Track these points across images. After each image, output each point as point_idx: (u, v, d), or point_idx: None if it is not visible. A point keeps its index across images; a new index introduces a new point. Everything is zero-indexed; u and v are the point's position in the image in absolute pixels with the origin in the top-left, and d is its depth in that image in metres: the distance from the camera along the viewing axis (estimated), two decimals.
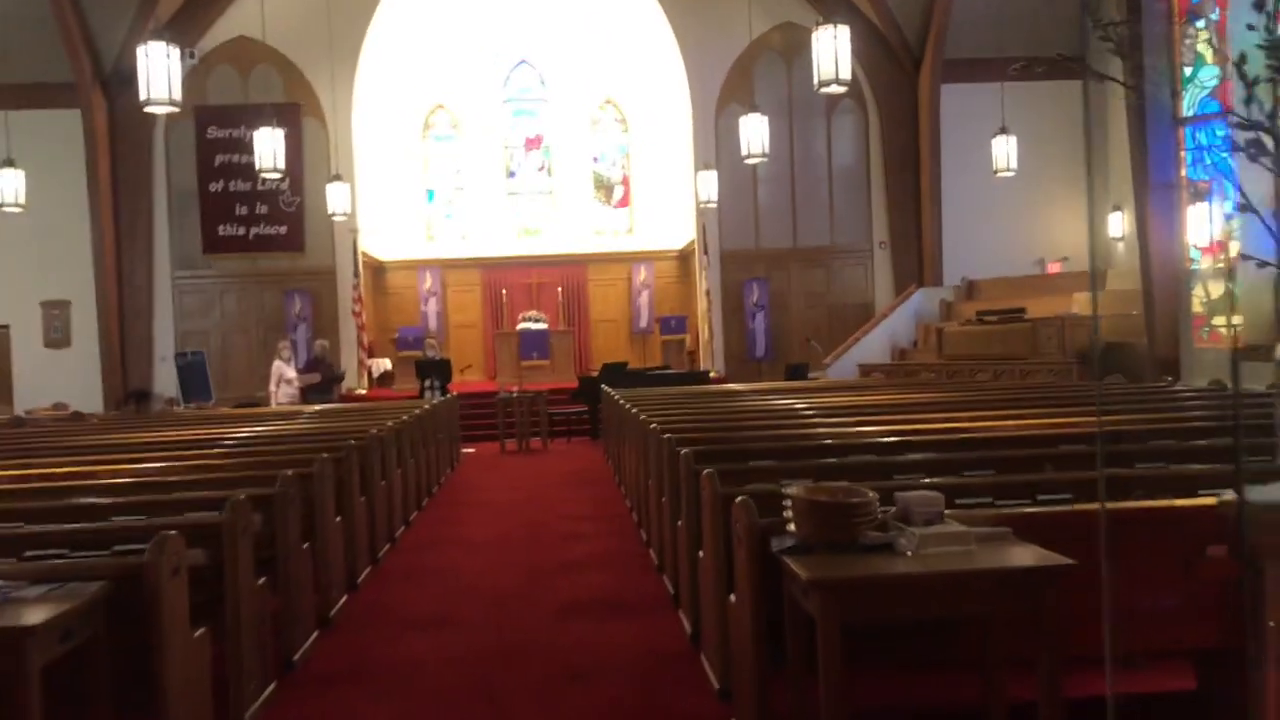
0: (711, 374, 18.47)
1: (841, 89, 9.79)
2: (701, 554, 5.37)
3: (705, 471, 5.11)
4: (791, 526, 3.53)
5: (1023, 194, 19.48)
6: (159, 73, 9.62)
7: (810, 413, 8.85)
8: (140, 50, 9.70)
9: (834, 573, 3.21)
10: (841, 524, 3.36)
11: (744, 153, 13.35)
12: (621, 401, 11.17)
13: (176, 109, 10.08)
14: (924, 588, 3.21)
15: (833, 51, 9.63)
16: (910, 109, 19.97)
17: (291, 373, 14.97)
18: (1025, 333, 14.04)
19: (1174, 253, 12.08)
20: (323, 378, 14.82)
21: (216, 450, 7.87)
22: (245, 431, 9.34)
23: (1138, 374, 12.98)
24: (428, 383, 15.35)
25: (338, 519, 6.75)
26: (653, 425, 8.18)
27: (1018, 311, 14.61)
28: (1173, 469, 4.91)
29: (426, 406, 11.15)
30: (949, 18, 18.63)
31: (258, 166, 13.44)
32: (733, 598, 4.35)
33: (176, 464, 6.90)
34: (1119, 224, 18.85)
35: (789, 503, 3.51)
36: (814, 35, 9.74)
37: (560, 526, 9.16)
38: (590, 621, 6.13)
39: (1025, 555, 3.30)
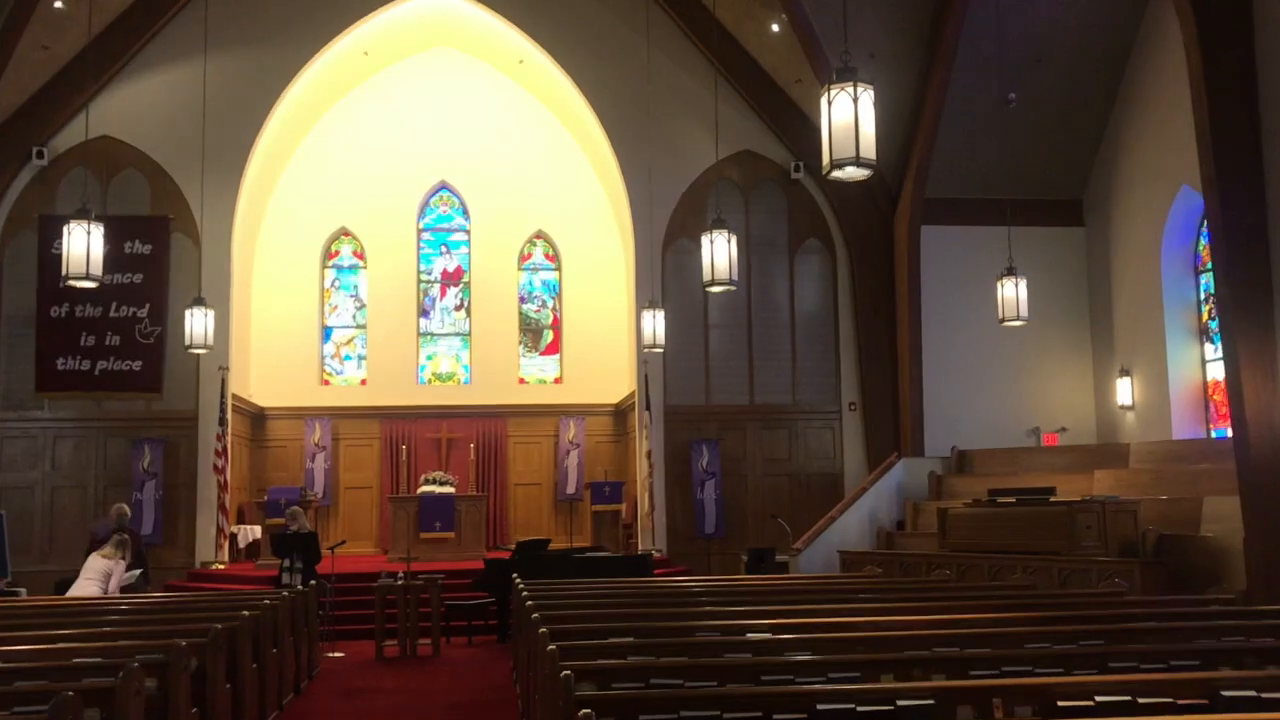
0: (655, 553, 15.14)
1: (862, 173, 6.89)
2: None
3: None
4: None
5: (1014, 354, 16.89)
6: None
7: (806, 656, 5.59)
8: None
9: None
10: None
11: (706, 279, 10.41)
12: (530, 607, 7.80)
13: None
14: None
15: (852, 120, 6.75)
16: (885, 252, 17.39)
17: (119, 569, 10.76)
18: (1057, 519, 10.98)
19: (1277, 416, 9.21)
20: (133, 555, 11.04)
21: None
22: None
23: (1216, 580, 9.95)
24: (286, 563, 11.78)
25: None
26: (564, 673, 4.89)
27: (1044, 492, 11.61)
28: None
29: (243, 615, 7.62)
30: (931, 151, 16.24)
31: (64, 271, 10.17)
32: None
33: None
34: (1127, 391, 16.19)
35: None
36: (824, 98, 6.88)
37: None
38: None
39: None
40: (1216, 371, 15.04)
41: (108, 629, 7.46)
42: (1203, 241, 15.25)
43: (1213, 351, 15.09)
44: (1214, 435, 14.85)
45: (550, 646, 5.31)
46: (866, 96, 6.80)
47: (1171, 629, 6.24)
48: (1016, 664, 5.31)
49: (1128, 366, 16.20)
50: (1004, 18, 15.00)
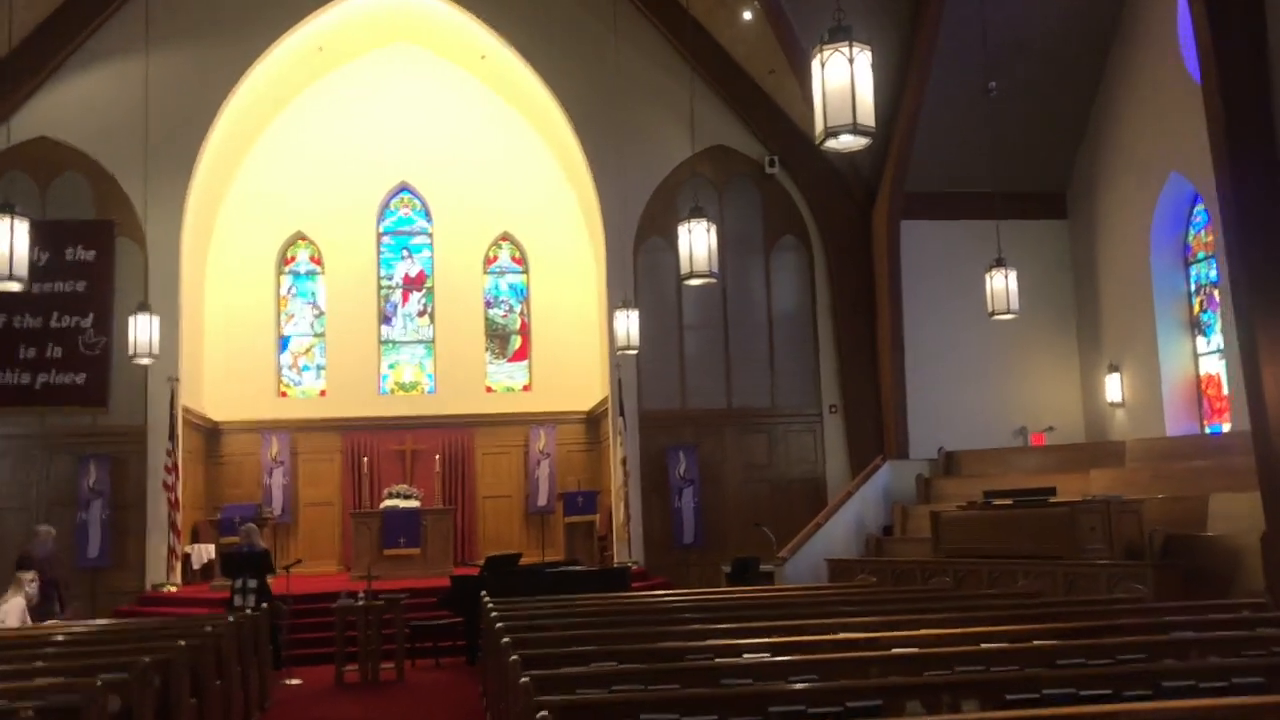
0: (632, 566, 14.42)
1: (860, 142, 6.24)
2: None
3: None
4: None
5: (998, 351, 16.32)
6: None
7: (814, 681, 4.92)
8: None
9: None
10: None
11: (684, 271, 9.73)
12: (500, 630, 7.07)
13: None
14: None
15: (847, 84, 6.10)
16: (863, 248, 16.79)
17: (18, 606, 9.79)
18: (1058, 521, 10.37)
19: None
20: (44, 581, 10.11)
21: None
22: None
23: (1229, 581, 9.39)
24: (238, 584, 10.97)
25: None
26: (541, 713, 4.20)
27: (1043, 493, 11.00)
28: None
29: (178, 646, 6.81)
30: (911, 143, 15.66)
31: None
32: None
33: None
34: (1117, 387, 15.66)
35: None
36: (816, 60, 6.24)
37: None
38: None
39: None
40: (1209, 365, 14.54)
41: (37, 664, 6.65)
42: (1192, 231, 14.75)
43: (1205, 345, 14.59)
44: (1209, 431, 14.34)
45: (523, 679, 4.60)
46: (863, 58, 6.17)
47: (1215, 640, 5.61)
48: (1055, 686, 4.65)
49: (1117, 362, 15.67)
50: (985, 3, 14.45)
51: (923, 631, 6.44)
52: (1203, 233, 14.47)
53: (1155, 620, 6.49)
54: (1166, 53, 14.26)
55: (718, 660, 5.66)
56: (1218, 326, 14.20)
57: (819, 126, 6.21)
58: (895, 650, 5.77)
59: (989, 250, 13.12)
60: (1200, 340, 14.66)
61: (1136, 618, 6.70)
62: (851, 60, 6.13)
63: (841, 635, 6.42)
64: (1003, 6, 14.60)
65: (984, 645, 5.93)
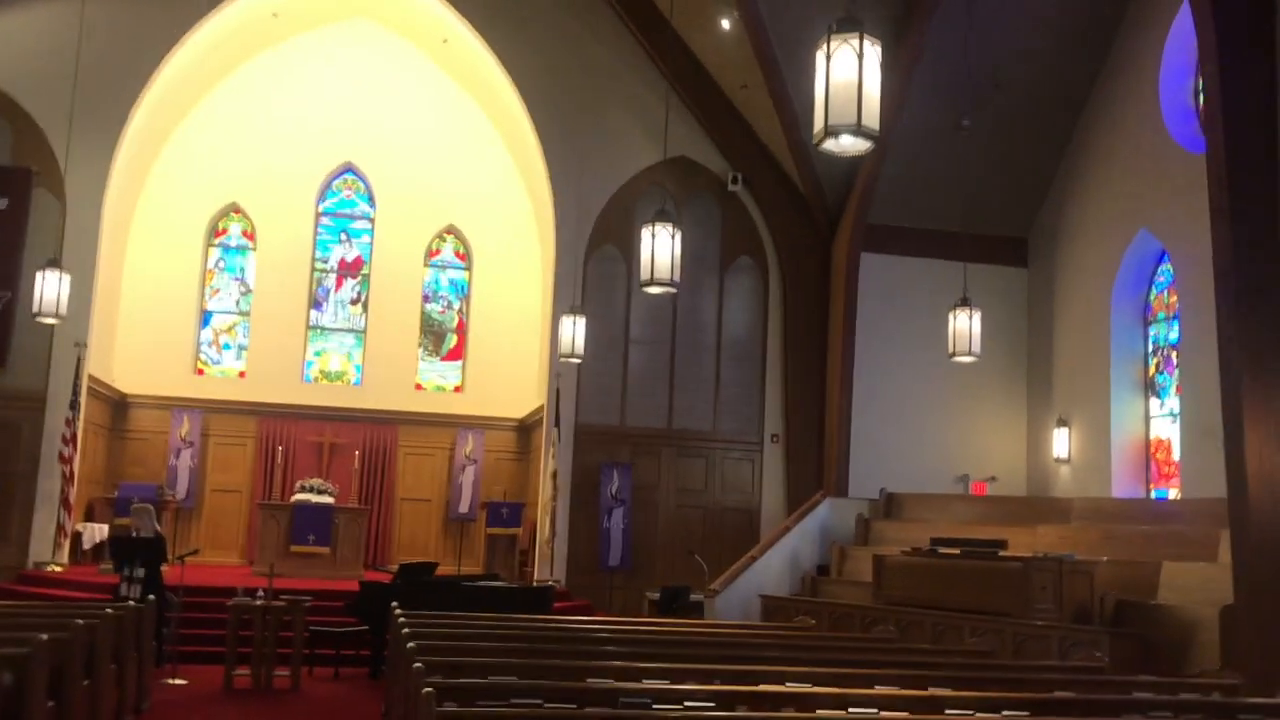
0: (554, 585, 13.68)
1: (861, 145, 5.66)
2: None
3: None
4: None
5: (946, 396, 15.89)
6: None
7: None
8: None
9: None
10: None
11: (644, 277, 9.09)
12: (411, 650, 6.32)
13: None
14: None
15: (854, 80, 5.53)
16: (820, 277, 16.30)
17: None
18: (1009, 577, 9.88)
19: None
20: None
21: None
22: None
23: (1180, 654, 8.95)
24: (126, 570, 10.05)
25: None
26: None
27: (992, 545, 10.51)
28: None
29: (39, 640, 5.95)
30: (879, 173, 15.21)
31: None
32: None
33: None
34: (1064, 443, 15.31)
35: None
36: (821, 51, 5.66)
37: None
38: None
39: None
40: (1160, 428, 14.24)
41: None
42: (1155, 291, 14.49)
43: (1158, 407, 14.30)
44: (1154, 495, 14.03)
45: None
46: (873, 53, 5.63)
47: None
48: None
49: (1066, 417, 15.33)
50: (967, 39, 14.05)
51: (878, 689, 5.85)
52: (1165, 293, 14.21)
53: (1127, 697, 5.96)
54: (1145, 108, 13.99)
55: (657, 708, 5.00)
56: (1172, 390, 13.91)
57: (818, 124, 5.65)
58: (853, 710, 5.17)
59: (946, 290, 12.69)
60: (1154, 402, 14.36)
61: (1107, 692, 6.17)
62: (861, 55, 5.58)
63: (790, 686, 5.80)
64: (985, 45, 14.23)
65: (949, 712, 5.37)
